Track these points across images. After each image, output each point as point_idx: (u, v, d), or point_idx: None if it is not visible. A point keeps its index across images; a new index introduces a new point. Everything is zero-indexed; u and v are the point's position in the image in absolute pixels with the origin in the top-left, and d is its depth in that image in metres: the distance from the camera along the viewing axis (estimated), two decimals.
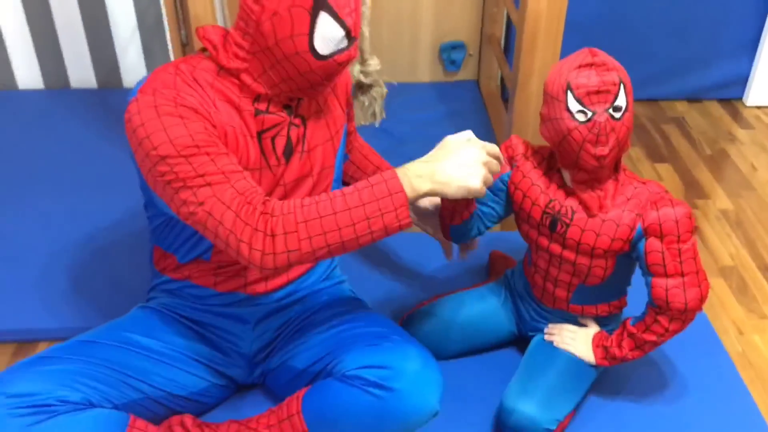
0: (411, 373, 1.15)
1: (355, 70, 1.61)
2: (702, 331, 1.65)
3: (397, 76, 2.56)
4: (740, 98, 2.66)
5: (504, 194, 1.43)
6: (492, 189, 1.41)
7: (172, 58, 2.33)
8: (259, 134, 1.22)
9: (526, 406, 1.35)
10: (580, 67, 1.24)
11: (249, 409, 1.39)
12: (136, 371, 1.25)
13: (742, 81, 2.63)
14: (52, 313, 1.63)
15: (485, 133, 2.28)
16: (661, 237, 1.28)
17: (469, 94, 2.54)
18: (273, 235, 1.07)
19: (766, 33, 2.49)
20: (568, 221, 1.33)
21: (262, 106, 1.21)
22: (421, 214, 1.49)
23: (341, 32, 1.14)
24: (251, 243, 1.07)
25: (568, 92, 1.24)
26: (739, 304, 1.78)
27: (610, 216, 1.31)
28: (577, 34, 2.20)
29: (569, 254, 1.36)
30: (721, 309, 1.76)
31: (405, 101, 2.44)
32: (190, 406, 1.34)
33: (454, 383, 1.49)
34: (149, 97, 1.12)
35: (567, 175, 1.35)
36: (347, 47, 1.17)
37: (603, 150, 1.25)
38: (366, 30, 1.57)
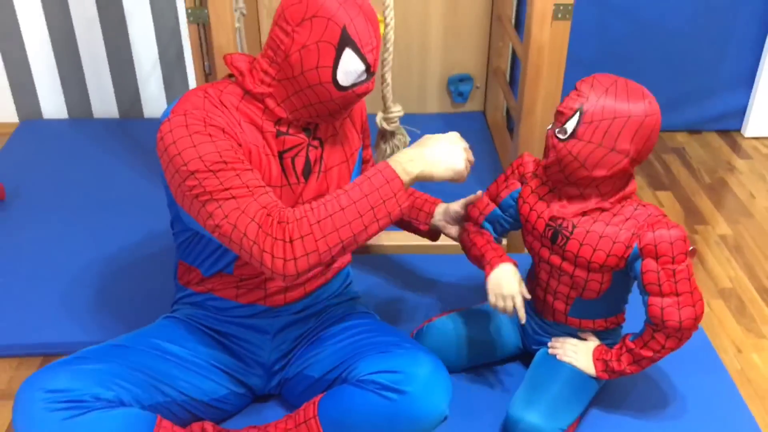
0: (422, 378, 1.22)
1: (378, 117, 1.66)
2: (702, 349, 1.70)
3: (407, 107, 2.62)
4: (738, 130, 2.75)
5: (513, 210, 1.52)
6: (502, 206, 1.53)
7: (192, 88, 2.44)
8: (280, 154, 1.31)
9: (532, 416, 1.41)
10: (613, 77, 1.36)
11: (266, 419, 1.45)
12: (163, 375, 1.32)
13: (740, 113, 2.72)
14: (78, 328, 1.71)
15: (491, 162, 2.36)
16: (656, 257, 1.34)
17: (475, 125, 2.63)
18: (291, 241, 1.15)
19: (763, 66, 2.59)
20: (568, 234, 1.41)
21: (283, 128, 1.31)
22: (454, 218, 1.59)
23: (362, 67, 1.25)
24: (273, 252, 1.15)
25: None
26: (737, 324, 1.84)
27: (607, 232, 1.38)
28: (579, 68, 2.29)
29: (568, 266, 1.43)
30: (721, 329, 1.82)
31: (413, 132, 2.53)
32: (210, 412, 1.41)
33: (461, 395, 1.55)
34: (180, 118, 1.21)
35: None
36: (366, 80, 1.28)
37: (545, 160, 1.40)
38: (389, 77, 1.61)
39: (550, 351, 1.53)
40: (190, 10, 1.69)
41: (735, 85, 2.66)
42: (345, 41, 1.22)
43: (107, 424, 1.18)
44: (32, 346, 1.68)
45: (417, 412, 1.21)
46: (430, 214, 1.57)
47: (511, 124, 2.60)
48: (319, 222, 1.16)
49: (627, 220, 1.38)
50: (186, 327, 1.42)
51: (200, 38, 1.75)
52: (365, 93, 1.30)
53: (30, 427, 1.15)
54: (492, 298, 1.42)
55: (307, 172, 1.35)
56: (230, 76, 1.34)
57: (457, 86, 2.65)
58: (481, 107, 2.73)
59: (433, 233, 1.63)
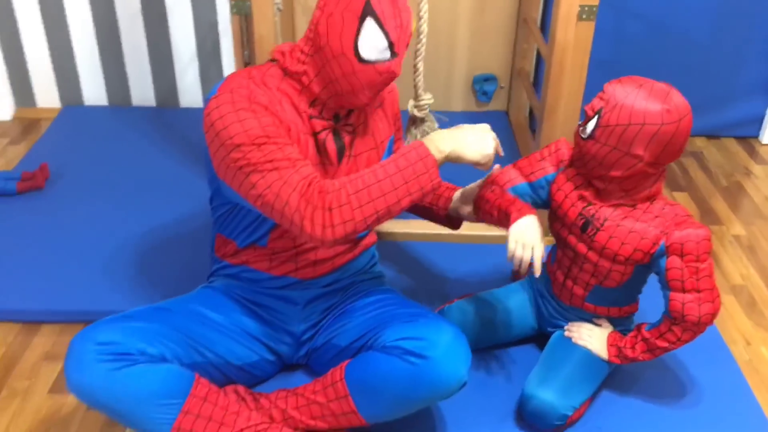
0: (444, 344, 1.30)
1: (409, 104, 1.75)
2: (712, 340, 1.77)
3: (432, 105, 2.75)
4: (756, 136, 2.81)
5: (543, 192, 1.58)
6: (533, 184, 1.58)
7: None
8: (315, 135, 1.41)
9: (546, 393, 1.48)
10: (638, 81, 1.41)
11: (294, 385, 1.53)
12: (201, 337, 1.41)
13: (758, 120, 2.78)
14: (117, 297, 1.82)
15: (513, 160, 2.43)
16: (681, 255, 1.41)
17: (499, 124, 2.71)
18: (330, 209, 1.24)
19: None
20: (599, 225, 1.47)
21: (316, 112, 1.39)
22: (470, 197, 1.61)
23: (384, 42, 1.30)
24: (313, 219, 1.24)
25: None
26: (747, 318, 1.90)
27: (636, 228, 1.45)
28: (600, 71, 2.37)
29: (593, 255, 1.50)
30: (731, 322, 1.89)
31: (439, 128, 2.62)
32: (242, 376, 1.50)
33: (479, 373, 1.64)
34: (227, 95, 1.31)
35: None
36: (389, 59, 1.32)
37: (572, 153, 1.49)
38: (420, 65, 1.70)
39: (566, 334, 1.60)
40: (233, 2, 1.79)
41: (754, 92, 2.72)
42: (367, 12, 1.28)
43: (151, 377, 1.28)
44: (75, 313, 1.79)
45: (438, 376, 1.29)
46: (449, 200, 1.64)
47: (533, 124, 2.67)
48: (356, 192, 1.25)
49: (655, 217, 1.44)
50: (222, 296, 1.52)
51: (242, 29, 1.85)
52: (388, 74, 1.32)
53: (81, 374, 1.25)
54: (512, 245, 1.41)
55: (340, 155, 1.44)
56: (272, 60, 1.44)
57: (482, 86, 2.73)
58: (505, 107, 2.81)
59: (453, 220, 1.68)
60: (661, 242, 1.43)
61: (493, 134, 1.40)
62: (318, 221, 1.24)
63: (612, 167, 1.42)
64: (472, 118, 2.76)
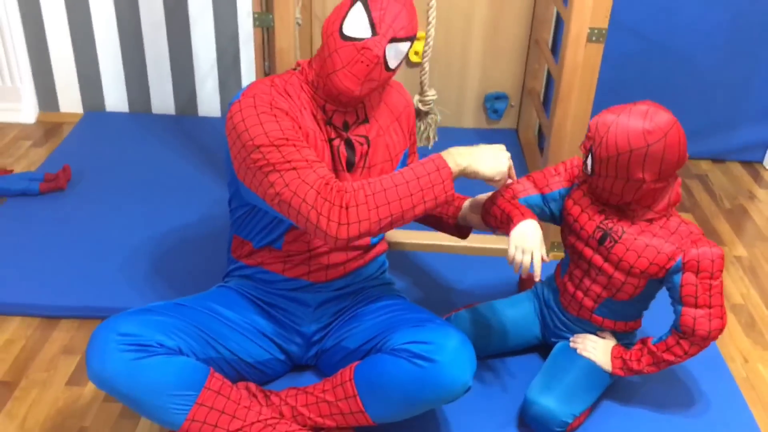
0: (450, 349, 1.35)
1: (415, 99, 1.85)
2: (711, 357, 1.81)
3: (444, 121, 2.80)
4: (761, 161, 2.86)
5: (556, 205, 1.63)
6: (547, 197, 1.64)
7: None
8: (330, 141, 1.47)
9: (547, 400, 1.53)
10: (617, 111, 1.45)
11: (304, 384, 1.59)
12: (216, 334, 1.47)
13: (763, 145, 2.83)
14: (134, 294, 1.88)
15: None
16: (697, 272, 1.46)
17: (508, 141, 2.77)
18: (347, 208, 1.30)
19: None
20: (617, 238, 1.53)
21: (328, 115, 1.46)
22: (479, 206, 1.66)
23: (366, 21, 1.38)
24: (329, 216, 1.29)
25: None
26: (746, 336, 1.94)
27: (653, 243, 1.50)
28: (608, 93, 2.44)
29: (609, 267, 1.54)
30: (730, 340, 1.93)
31: (450, 144, 2.67)
32: (253, 373, 1.55)
33: (484, 379, 1.69)
34: (250, 99, 1.37)
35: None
36: (368, 38, 1.37)
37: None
38: (427, 66, 1.84)
39: (571, 345, 1.64)
40: (256, 15, 1.86)
41: (759, 118, 2.78)
42: None
43: (168, 368, 1.33)
44: (92, 309, 1.85)
45: (444, 379, 1.34)
46: (459, 208, 1.68)
47: (542, 143, 2.73)
48: (374, 194, 1.31)
49: (671, 234, 1.50)
50: (237, 295, 1.58)
51: (263, 41, 1.92)
52: (366, 51, 1.36)
53: (102, 363, 1.31)
54: (512, 250, 1.44)
55: (350, 164, 1.50)
56: (294, 68, 1.51)
57: (492, 104, 2.80)
58: (515, 125, 2.87)
59: (461, 230, 1.72)
60: (678, 258, 1.48)
61: (508, 154, 1.46)
62: (334, 218, 1.29)
63: (622, 194, 1.48)
64: (483, 135, 2.82)
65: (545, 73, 2.71)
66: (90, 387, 1.66)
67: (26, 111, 2.81)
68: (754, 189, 2.69)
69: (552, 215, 1.65)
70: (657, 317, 1.68)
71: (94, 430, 1.56)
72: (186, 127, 2.77)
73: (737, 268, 2.22)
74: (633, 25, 2.61)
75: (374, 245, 1.63)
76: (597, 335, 1.65)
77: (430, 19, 1.80)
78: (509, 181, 1.55)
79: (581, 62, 1.88)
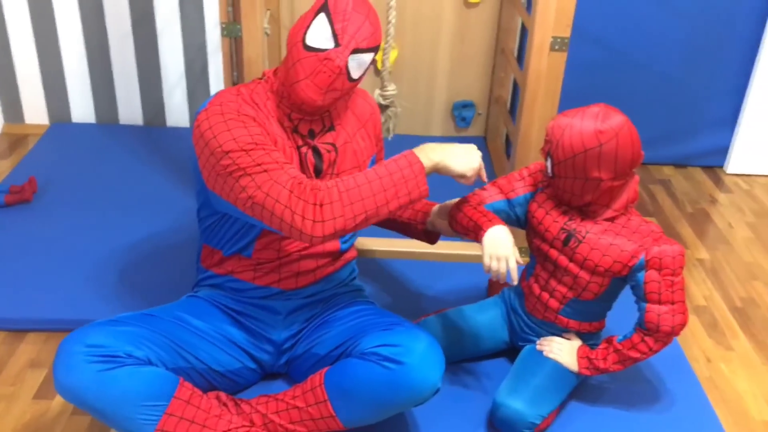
0: (419, 351, 1.37)
1: (375, 93, 1.95)
2: (675, 357, 1.85)
3: (413, 129, 2.85)
4: (721, 166, 2.93)
5: (521, 209, 1.67)
6: (512, 202, 1.67)
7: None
8: (298, 148, 1.49)
9: (515, 402, 1.55)
10: (571, 114, 1.50)
11: (275, 392, 1.59)
12: (186, 343, 1.47)
13: (723, 151, 2.90)
14: (102, 306, 1.86)
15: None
16: (659, 269, 1.51)
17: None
18: (321, 205, 1.30)
19: (745, 108, 2.78)
20: (581, 238, 1.56)
21: (294, 123, 1.47)
22: (447, 212, 1.68)
23: (328, 32, 1.40)
24: (304, 214, 1.30)
25: None
26: (709, 337, 1.99)
27: (616, 241, 1.54)
28: (572, 100, 2.47)
29: (574, 267, 1.58)
30: (693, 341, 1.97)
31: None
32: (224, 383, 1.55)
33: (453, 384, 1.70)
34: (217, 107, 1.38)
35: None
36: (331, 49, 1.40)
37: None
38: (387, 63, 1.95)
39: (538, 347, 1.67)
40: (224, 25, 1.87)
41: (719, 124, 2.85)
42: (322, 9, 1.41)
43: (137, 378, 1.33)
44: (60, 321, 1.83)
45: (413, 381, 1.36)
46: (427, 214, 1.71)
47: (509, 150, 2.77)
48: (347, 191, 1.32)
49: (633, 233, 1.54)
50: (207, 304, 1.57)
51: (231, 51, 1.93)
52: (328, 62, 1.38)
53: (69, 375, 1.30)
54: (487, 260, 1.47)
55: (318, 171, 1.51)
56: (261, 78, 1.52)
57: (461, 112, 2.83)
58: (483, 133, 2.91)
59: (430, 235, 1.75)
60: (641, 256, 1.52)
61: (479, 153, 1.49)
62: (309, 216, 1.30)
63: (582, 194, 1.52)
64: (451, 143, 2.85)
65: (512, 82, 2.76)
66: (58, 400, 1.64)
67: None
68: (716, 193, 2.76)
69: (518, 219, 1.68)
70: (620, 320, 1.72)
71: None
72: (154, 138, 2.75)
73: (699, 271, 2.27)
74: (597, 35, 2.67)
75: (344, 251, 1.64)
76: (563, 337, 1.68)
77: (390, 18, 1.86)
78: (481, 176, 1.56)
79: (545, 70, 1.92)
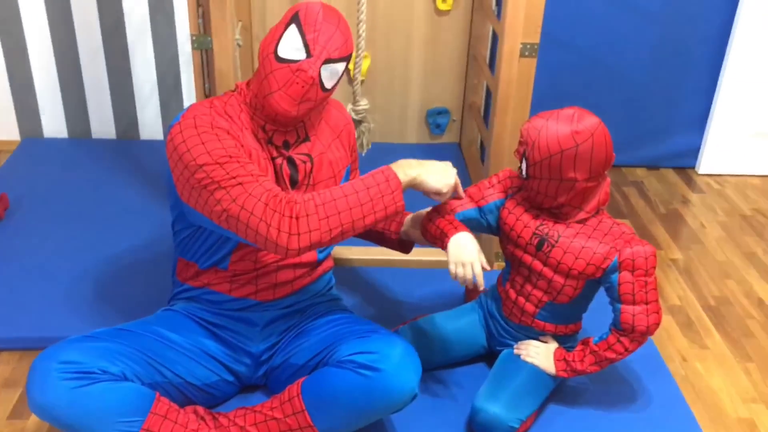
0: (395, 357, 1.37)
1: (348, 107, 1.95)
2: (651, 357, 1.87)
3: (387, 137, 2.85)
4: (693, 167, 2.98)
5: (493, 216, 1.68)
6: (483, 209, 1.68)
7: None
8: (273, 159, 1.48)
9: (494, 407, 1.56)
10: (546, 116, 1.52)
11: (253, 404, 1.58)
12: (162, 358, 1.45)
13: (694, 152, 2.95)
14: (77, 323, 1.84)
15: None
16: (633, 270, 1.52)
17: (451, 155, 2.82)
18: (297, 218, 1.30)
19: (714, 110, 2.83)
20: (554, 242, 1.58)
21: (268, 135, 1.47)
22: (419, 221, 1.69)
23: (300, 43, 1.41)
24: (279, 226, 1.30)
25: None
26: (683, 336, 2.02)
27: (588, 244, 1.56)
28: (543, 105, 2.49)
29: (548, 271, 1.59)
30: (668, 340, 2.00)
31: (393, 160, 2.71)
32: (202, 396, 1.54)
33: (431, 391, 1.71)
34: (190, 121, 1.38)
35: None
36: (303, 60, 1.41)
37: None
38: (359, 77, 1.96)
39: (515, 352, 1.68)
40: (194, 37, 1.87)
41: (690, 126, 2.90)
42: (293, 20, 1.42)
43: (112, 395, 1.32)
44: (34, 339, 1.81)
45: (390, 388, 1.36)
46: (401, 224, 1.72)
47: (484, 155, 2.79)
48: (324, 204, 1.32)
49: (605, 235, 1.56)
50: (183, 318, 1.56)
51: (203, 63, 1.93)
52: (300, 73, 1.39)
53: (43, 392, 1.28)
54: (452, 267, 1.49)
55: (293, 182, 1.52)
56: (233, 90, 1.52)
57: (435, 119, 2.85)
58: (457, 139, 2.93)
59: (404, 244, 1.76)
60: (614, 258, 1.53)
61: (455, 170, 1.50)
62: (284, 229, 1.30)
63: (556, 195, 1.54)
64: (426, 149, 2.86)
65: (484, 88, 2.78)
66: (33, 420, 1.62)
67: None
68: (688, 194, 2.79)
69: (489, 226, 1.69)
70: (595, 321, 1.73)
71: None
72: (128, 151, 2.74)
73: (673, 271, 2.30)
74: (566, 40, 2.70)
75: (321, 262, 1.64)
76: (539, 340, 1.69)
77: (360, 32, 1.86)
78: (458, 192, 1.59)
79: (516, 76, 1.94)
